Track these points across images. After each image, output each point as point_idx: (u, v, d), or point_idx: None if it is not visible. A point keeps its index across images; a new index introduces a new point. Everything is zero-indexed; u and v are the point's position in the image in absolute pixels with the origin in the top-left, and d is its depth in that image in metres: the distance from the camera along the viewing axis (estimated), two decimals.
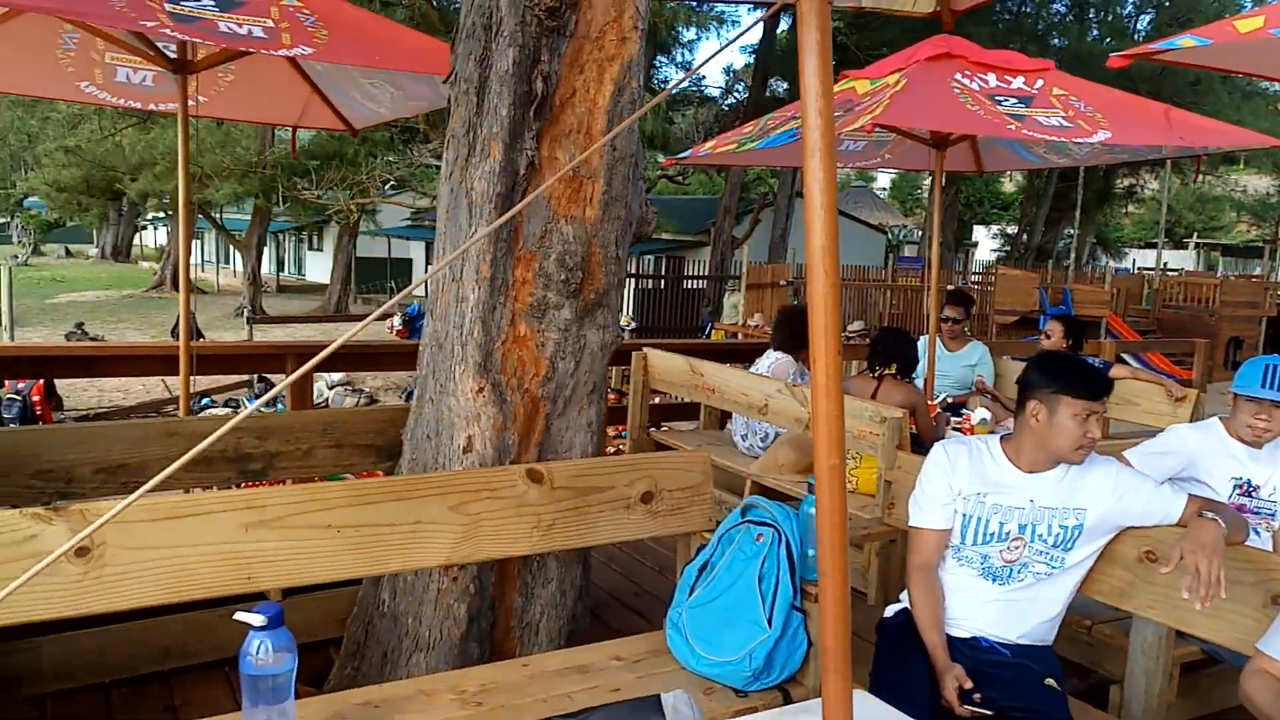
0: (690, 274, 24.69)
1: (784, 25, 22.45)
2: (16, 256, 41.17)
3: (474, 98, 2.87)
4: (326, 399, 13.19)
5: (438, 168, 20.03)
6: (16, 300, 17.92)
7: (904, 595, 2.80)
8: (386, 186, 22.04)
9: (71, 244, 50.49)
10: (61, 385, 11.49)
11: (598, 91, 2.90)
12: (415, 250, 34.35)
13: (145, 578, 2.25)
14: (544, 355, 2.96)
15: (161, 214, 35.75)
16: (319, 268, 37.62)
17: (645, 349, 5.73)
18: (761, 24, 20.09)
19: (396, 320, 18.78)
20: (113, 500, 2.99)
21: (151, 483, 1.16)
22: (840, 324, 1.48)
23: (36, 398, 10.03)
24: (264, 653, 1.98)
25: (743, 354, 7.32)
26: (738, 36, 1.85)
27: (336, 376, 13.72)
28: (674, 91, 23.07)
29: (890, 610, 2.84)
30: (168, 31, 3.28)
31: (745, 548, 2.67)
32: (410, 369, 3.88)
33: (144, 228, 48.34)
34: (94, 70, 4.63)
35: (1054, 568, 2.61)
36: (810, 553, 2.61)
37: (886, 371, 4.81)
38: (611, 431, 8.26)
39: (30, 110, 24.37)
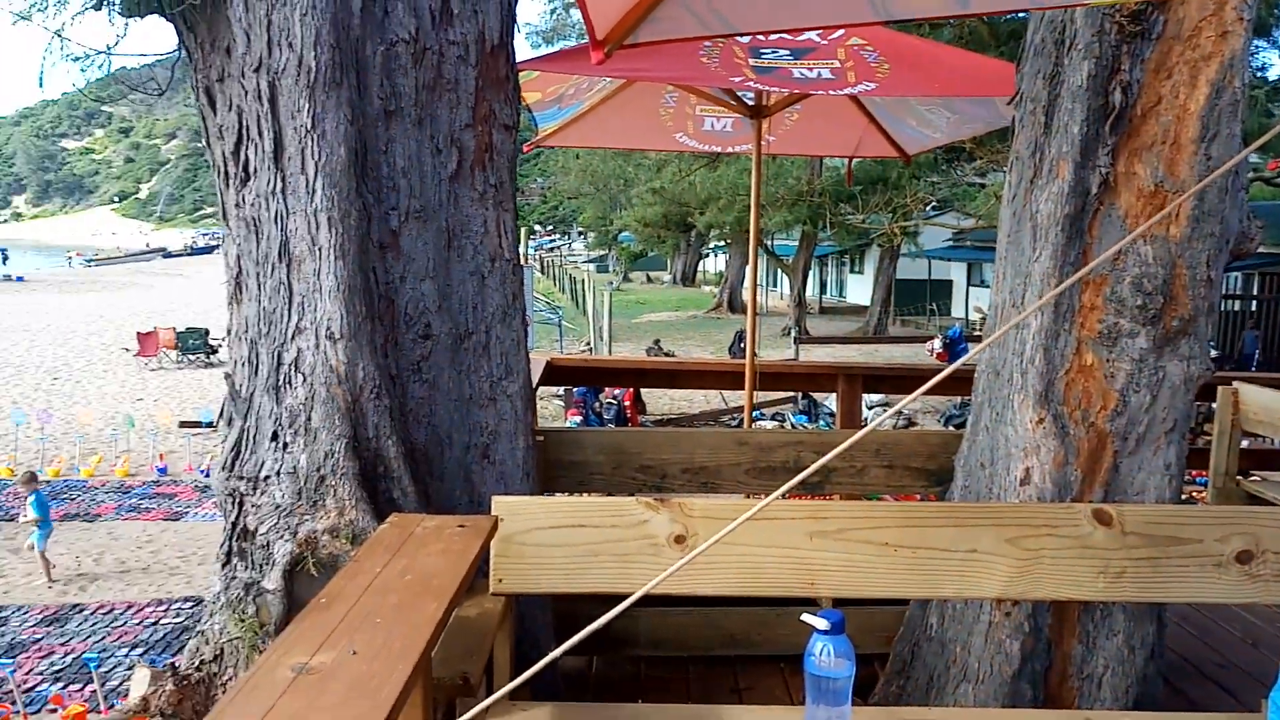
0: None
1: None
2: (611, 283, 48.79)
3: (1041, 117, 2.77)
4: (865, 419, 13.55)
5: (982, 186, 19.44)
6: (611, 320, 21.32)
7: None
8: (928, 207, 21.98)
9: (651, 271, 58.55)
10: (645, 392, 13.44)
11: (1189, 96, 2.61)
12: (956, 271, 33.66)
13: (726, 569, 2.55)
14: (1113, 387, 2.74)
15: (721, 242, 39.84)
16: (860, 290, 38.73)
17: (1236, 384, 4.95)
18: None
19: (936, 343, 18.59)
20: (697, 497, 3.45)
21: (785, 487, 1.33)
22: None
23: (628, 403, 11.89)
24: (826, 656, 2.12)
25: None
26: None
27: (875, 397, 14.01)
28: None
29: None
30: (751, 83, 3.69)
31: None
32: (951, 394, 3.84)
33: (706, 255, 54.29)
34: (687, 122, 5.38)
35: None
36: None
37: None
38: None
39: (627, 159, 28.81)
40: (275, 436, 2.54)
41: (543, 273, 52.04)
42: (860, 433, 1.95)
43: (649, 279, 57.26)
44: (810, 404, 14.27)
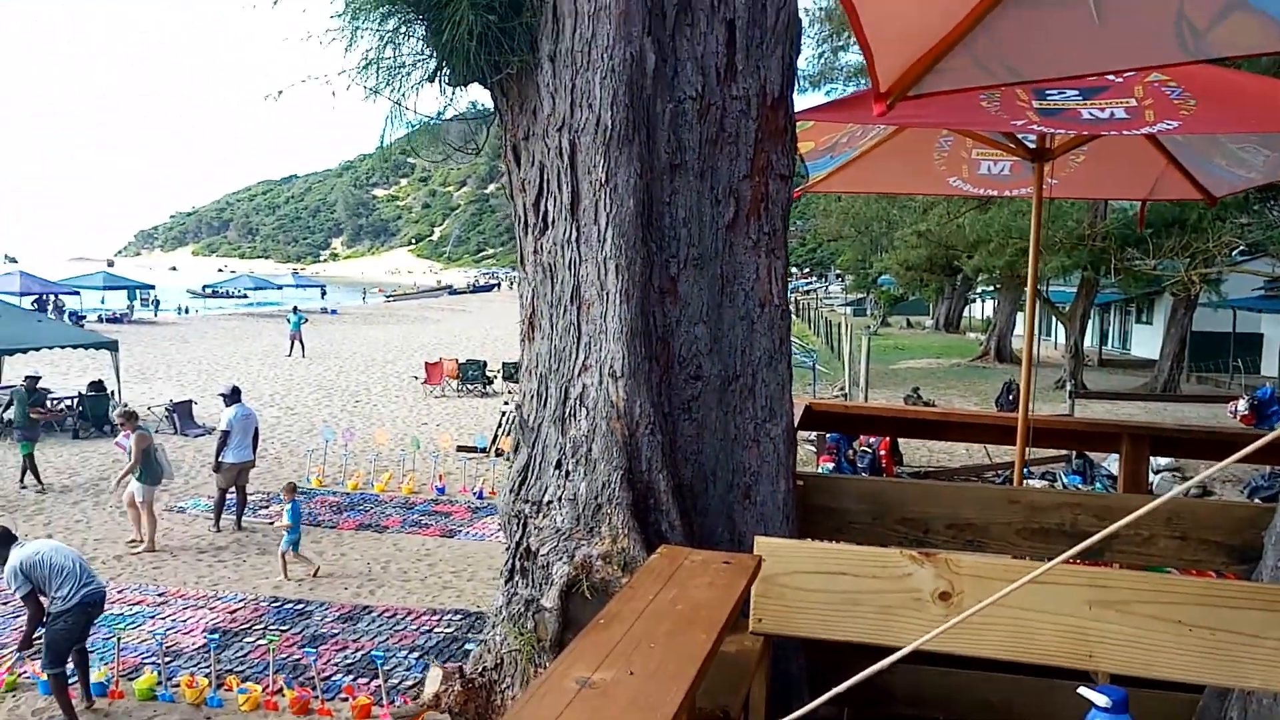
0: None
1: None
2: (869, 327, 47.73)
3: None
4: (1152, 484, 12.33)
5: None
6: (868, 365, 20.84)
7: None
8: (1235, 253, 19.76)
9: (911, 315, 56.65)
10: (901, 442, 13.00)
11: None
12: (1268, 325, 29.89)
13: (993, 631, 2.45)
14: None
15: (990, 287, 37.86)
16: (1146, 342, 35.33)
17: None
18: None
19: (1241, 404, 16.60)
20: (963, 554, 3.32)
21: (1070, 553, 1.30)
22: None
23: (883, 452, 11.57)
24: None
25: None
26: None
27: (1164, 461, 12.73)
28: None
29: None
30: (1035, 127, 3.56)
31: None
32: (1260, 463, 3.45)
33: (972, 301, 51.77)
34: (962, 166, 5.24)
35: None
36: None
37: None
38: None
39: (892, 202, 28.22)
40: (559, 465, 2.75)
41: (797, 315, 51.87)
42: (1159, 500, 1.83)
43: (909, 324, 55.41)
44: (1085, 464, 13.18)
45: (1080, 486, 11.98)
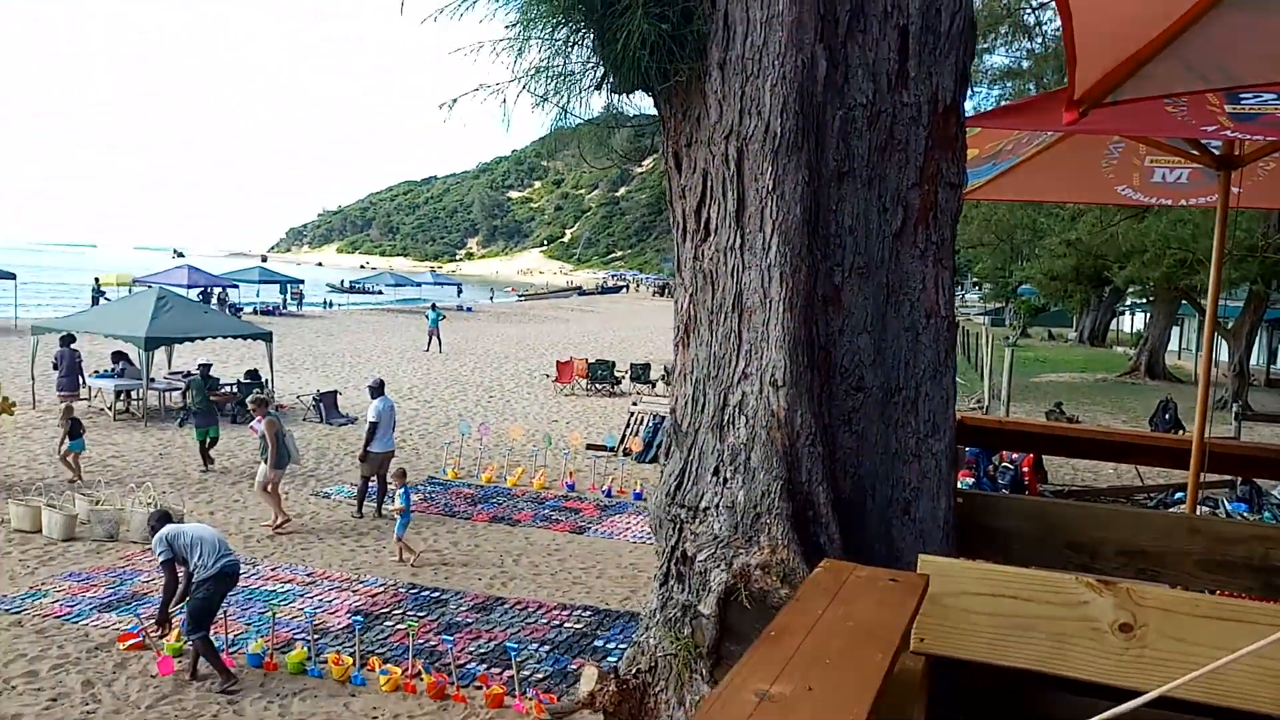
0: None
1: None
2: (1008, 338, 45.96)
3: None
4: None
5: None
6: (1010, 377, 20.04)
7: None
8: None
9: (1054, 327, 54.22)
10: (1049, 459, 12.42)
11: None
12: None
13: (1179, 669, 2.30)
14: None
15: (1142, 300, 35.82)
16: None
17: None
18: None
19: None
20: (1144, 584, 3.14)
21: None
22: None
23: (1026, 469, 11.09)
24: None
25: None
26: None
27: None
28: None
29: None
30: (1227, 133, 3.34)
31: None
32: None
33: (1121, 313, 49.10)
34: (1133, 174, 4.97)
35: None
36: None
37: None
38: None
39: (1038, 209, 27.07)
40: (716, 471, 2.75)
41: None
42: None
43: (1050, 335, 53.10)
44: (1252, 490, 12.30)
45: (1246, 515, 11.18)
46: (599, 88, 3.08)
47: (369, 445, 12.00)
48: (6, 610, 8.52)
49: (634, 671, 2.68)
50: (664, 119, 3.13)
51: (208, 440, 14.15)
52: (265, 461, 11.48)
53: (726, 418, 2.78)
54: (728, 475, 2.73)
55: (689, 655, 2.55)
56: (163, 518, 7.91)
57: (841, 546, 2.70)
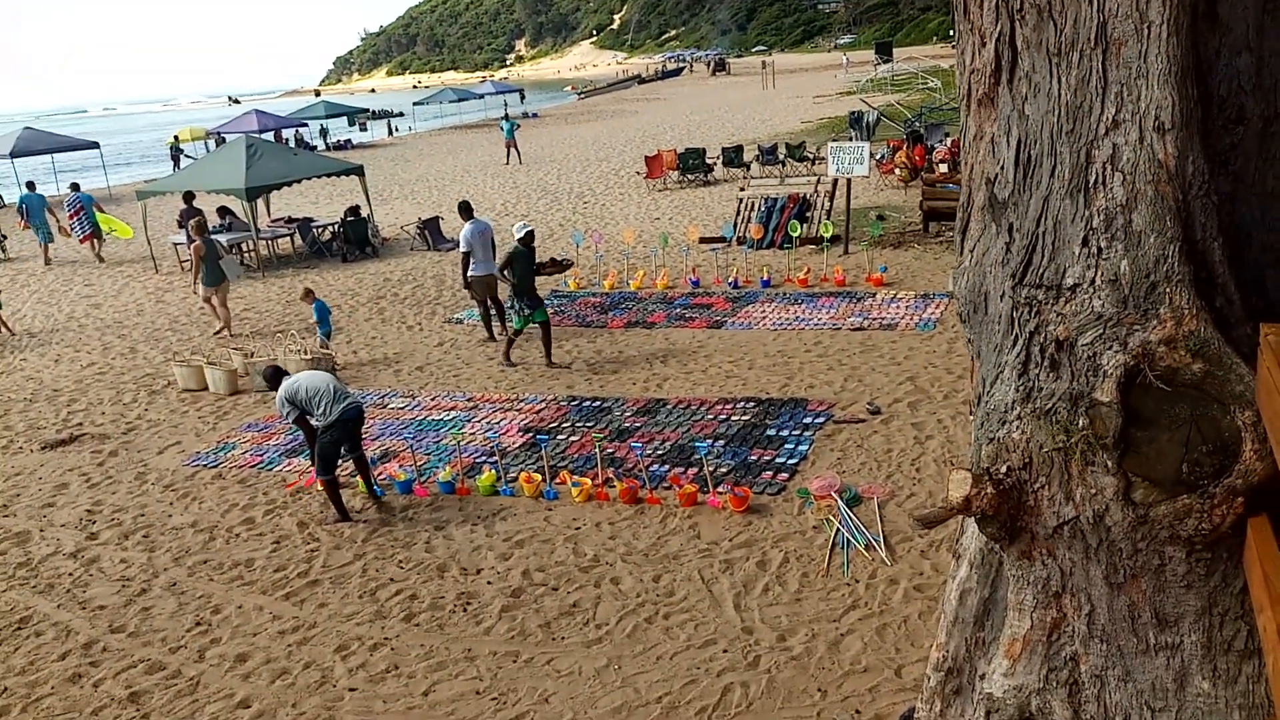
0: None
1: None
2: None
3: None
4: None
5: None
6: None
7: None
8: None
9: None
10: None
11: None
12: None
13: None
14: None
15: None
16: None
17: None
18: None
19: None
20: None
21: None
22: None
23: None
24: None
25: None
26: None
27: None
28: None
29: None
30: None
31: None
32: None
33: None
34: None
35: None
36: None
37: None
38: None
39: None
40: (1085, 242, 2.38)
41: None
42: None
43: None
44: None
45: None
46: None
47: (467, 273, 11.68)
48: (206, 465, 8.91)
49: (1004, 469, 2.44)
50: None
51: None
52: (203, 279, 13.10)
53: (1093, 177, 2.37)
54: (1102, 244, 2.35)
55: (1087, 447, 2.29)
56: (276, 374, 7.75)
57: (1242, 309, 2.33)
